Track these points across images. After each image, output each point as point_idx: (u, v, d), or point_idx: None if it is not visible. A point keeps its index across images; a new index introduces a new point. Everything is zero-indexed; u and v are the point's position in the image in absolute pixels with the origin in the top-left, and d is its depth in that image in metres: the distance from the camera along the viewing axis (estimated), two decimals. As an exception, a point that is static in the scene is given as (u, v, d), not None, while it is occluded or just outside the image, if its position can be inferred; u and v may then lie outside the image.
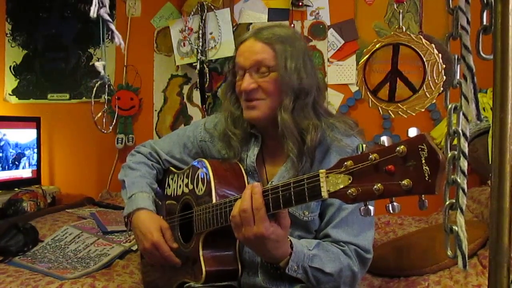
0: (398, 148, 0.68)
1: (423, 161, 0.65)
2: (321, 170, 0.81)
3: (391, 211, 0.71)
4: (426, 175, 0.64)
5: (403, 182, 0.67)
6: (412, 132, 0.67)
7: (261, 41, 1.13)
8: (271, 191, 0.91)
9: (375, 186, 0.71)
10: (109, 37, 2.86)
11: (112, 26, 0.60)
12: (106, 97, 1.28)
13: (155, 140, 1.46)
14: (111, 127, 1.32)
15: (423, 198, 0.67)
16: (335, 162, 1.11)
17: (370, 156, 0.72)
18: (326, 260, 1.05)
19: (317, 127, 1.13)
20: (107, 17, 0.59)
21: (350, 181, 0.76)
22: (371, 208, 0.75)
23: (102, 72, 0.98)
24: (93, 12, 0.59)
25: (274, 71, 1.12)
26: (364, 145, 0.76)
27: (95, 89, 1.12)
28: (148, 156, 1.40)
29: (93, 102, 1.43)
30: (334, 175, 0.78)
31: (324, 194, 0.80)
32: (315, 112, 1.16)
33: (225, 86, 1.28)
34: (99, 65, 0.98)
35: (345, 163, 0.76)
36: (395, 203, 0.71)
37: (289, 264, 1.00)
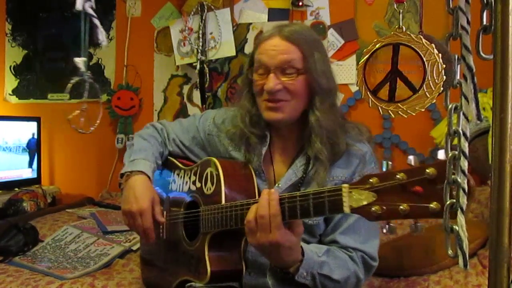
0: (427, 170, 0.67)
1: None
2: (344, 185, 0.81)
3: (415, 231, 0.71)
4: None
5: (431, 205, 0.67)
6: (442, 155, 0.67)
7: (287, 40, 1.10)
8: (288, 200, 0.91)
9: (401, 207, 0.70)
10: (111, 38, 2.86)
11: (97, 22, 0.60)
12: (86, 95, 1.25)
13: (169, 122, 1.44)
14: (92, 128, 1.29)
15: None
16: (343, 168, 1.13)
17: (398, 176, 0.71)
18: (335, 267, 1.05)
19: (344, 131, 1.14)
20: (92, 12, 0.59)
21: (374, 199, 0.75)
22: (393, 226, 0.75)
23: (82, 69, 0.97)
24: (79, 5, 0.59)
25: (302, 74, 1.10)
26: (390, 163, 0.76)
27: (70, 86, 1.10)
28: (160, 132, 1.38)
29: (67, 100, 1.39)
30: (358, 191, 0.77)
31: (346, 209, 0.79)
32: (335, 115, 1.15)
33: (240, 82, 1.25)
34: (79, 61, 0.97)
35: (370, 180, 0.75)
36: (419, 224, 0.71)
37: (299, 271, 1.00)
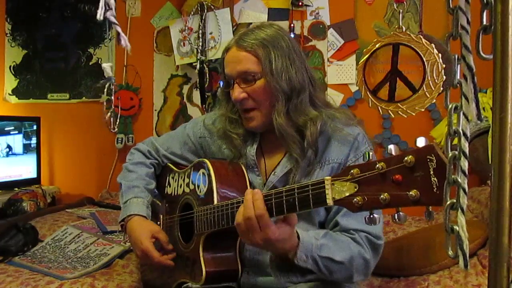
0: (406, 158, 0.67)
1: (432, 172, 0.65)
2: (326, 177, 0.81)
3: (397, 221, 0.71)
4: (434, 186, 0.64)
5: (410, 192, 0.67)
6: (421, 142, 0.66)
7: (243, 49, 1.13)
8: (274, 196, 0.91)
9: (381, 196, 0.71)
10: (110, 38, 2.86)
11: (119, 29, 0.60)
12: (113, 97, 1.29)
13: (156, 137, 1.48)
14: (116, 127, 1.32)
15: (430, 209, 0.67)
16: (337, 151, 1.14)
17: (377, 165, 0.72)
18: (335, 249, 1.04)
19: (315, 120, 1.13)
20: (114, 20, 0.59)
21: (356, 189, 0.75)
22: (376, 216, 0.75)
23: (110, 74, 0.98)
24: (99, 15, 0.59)
25: (260, 78, 1.12)
26: (370, 153, 0.76)
27: (106, 90, 1.11)
28: (146, 154, 1.41)
29: (105, 103, 1.44)
30: (340, 183, 0.78)
31: (329, 201, 0.80)
32: (313, 105, 1.16)
33: (220, 93, 1.29)
34: (106, 66, 0.98)
35: (352, 171, 0.76)
36: (401, 213, 0.71)
37: (297, 255, 1.00)
